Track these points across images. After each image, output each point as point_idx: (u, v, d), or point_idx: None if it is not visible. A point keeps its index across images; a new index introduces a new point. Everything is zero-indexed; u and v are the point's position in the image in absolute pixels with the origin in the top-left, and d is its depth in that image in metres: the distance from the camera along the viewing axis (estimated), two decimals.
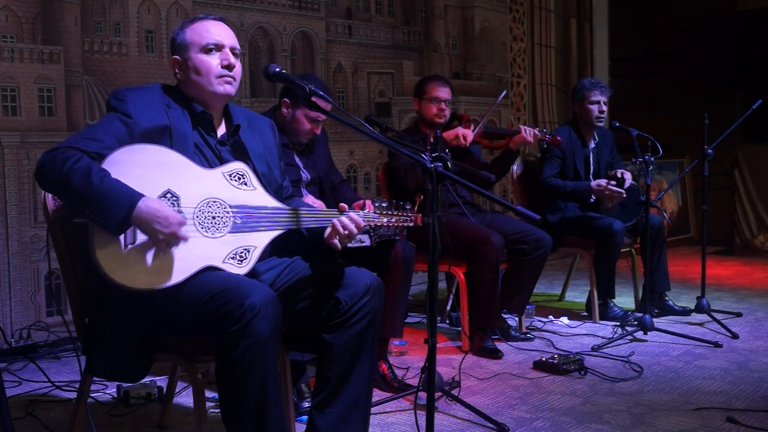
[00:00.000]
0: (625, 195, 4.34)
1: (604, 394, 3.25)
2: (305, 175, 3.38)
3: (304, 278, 2.38)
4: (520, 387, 3.37)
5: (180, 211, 2.17)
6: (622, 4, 7.76)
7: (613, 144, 4.76)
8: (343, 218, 2.31)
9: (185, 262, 2.14)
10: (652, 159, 3.98)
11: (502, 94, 4.30)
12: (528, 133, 4.05)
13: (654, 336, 4.09)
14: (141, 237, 2.11)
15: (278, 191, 2.49)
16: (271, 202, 2.34)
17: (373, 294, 2.32)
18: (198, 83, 2.36)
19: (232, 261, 2.22)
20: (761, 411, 3.02)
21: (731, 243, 7.72)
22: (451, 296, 4.51)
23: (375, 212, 2.40)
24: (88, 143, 2.16)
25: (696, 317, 4.52)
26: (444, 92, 4.02)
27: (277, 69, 2.31)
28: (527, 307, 4.31)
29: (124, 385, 3.17)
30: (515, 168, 4.73)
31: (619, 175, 4.43)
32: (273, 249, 2.40)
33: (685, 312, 4.61)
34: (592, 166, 4.59)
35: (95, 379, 2.59)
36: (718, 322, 4.27)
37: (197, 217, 2.20)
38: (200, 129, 2.38)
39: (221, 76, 2.35)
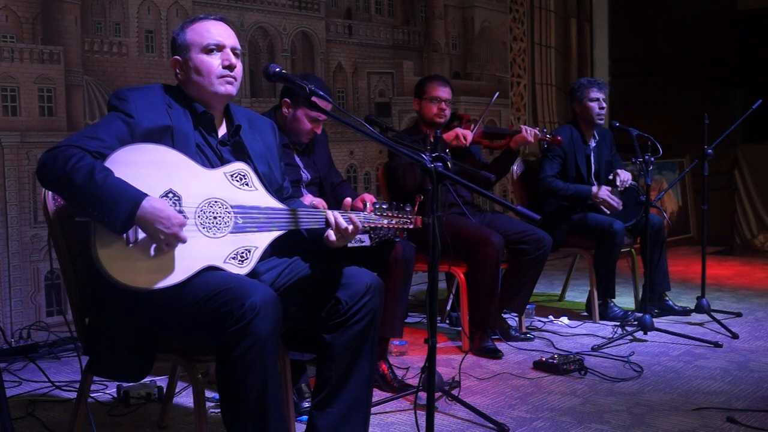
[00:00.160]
0: (620, 206, 4.37)
1: (604, 394, 3.26)
2: (305, 175, 3.38)
3: (304, 278, 2.39)
4: (520, 387, 3.37)
5: (181, 211, 2.17)
6: (622, 4, 7.76)
7: (613, 144, 4.76)
8: (338, 214, 2.31)
9: (186, 262, 2.15)
10: (652, 159, 3.98)
11: (495, 95, 4.30)
12: (529, 132, 4.05)
13: (654, 336, 4.09)
14: (142, 236, 2.11)
15: (279, 192, 2.49)
16: (273, 202, 2.34)
17: (373, 294, 2.32)
18: (199, 83, 2.36)
19: (233, 261, 2.22)
20: (761, 411, 3.02)
21: (731, 243, 7.72)
22: (451, 296, 4.51)
23: (375, 214, 2.40)
24: (90, 142, 2.16)
25: (696, 317, 4.52)
26: (444, 92, 4.02)
27: (277, 69, 2.31)
28: (527, 307, 4.31)
29: (124, 385, 3.17)
30: (515, 168, 4.73)
31: (610, 177, 4.44)
32: (273, 249, 2.40)
33: (685, 312, 4.61)
34: (593, 165, 4.59)
35: (95, 379, 2.59)
36: (718, 322, 4.27)
37: (198, 216, 2.20)
38: (201, 129, 2.38)
39: (222, 77, 2.36)
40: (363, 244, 2.54)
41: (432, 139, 2.99)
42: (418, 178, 3.77)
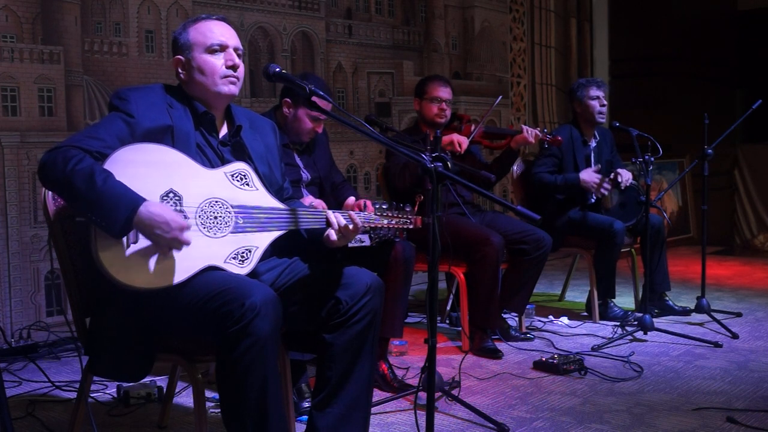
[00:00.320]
0: (609, 187, 4.34)
1: (604, 394, 3.26)
2: (305, 175, 3.38)
3: (304, 278, 2.39)
4: (520, 387, 3.37)
5: (182, 211, 2.17)
6: (622, 4, 7.76)
7: (613, 143, 4.76)
8: (338, 213, 2.32)
9: (187, 262, 2.15)
10: (652, 159, 3.98)
11: (498, 98, 4.30)
12: (529, 133, 4.05)
13: (654, 336, 4.09)
14: (142, 236, 2.11)
15: (279, 192, 2.49)
16: (273, 202, 2.34)
17: (373, 294, 2.32)
18: (202, 83, 2.36)
19: (233, 261, 2.22)
20: (761, 411, 3.02)
21: (731, 243, 7.72)
22: (451, 296, 4.51)
23: (375, 214, 2.40)
24: (91, 142, 2.16)
25: (696, 317, 4.52)
26: (445, 92, 4.03)
27: (277, 69, 2.31)
28: (527, 307, 4.31)
29: (124, 385, 3.17)
30: (515, 168, 4.73)
31: (611, 177, 4.44)
32: (274, 249, 2.40)
33: (685, 312, 4.61)
34: (593, 165, 4.59)
35: (95, 379, 2.59)
36: (718, 322, 4.27)
37: (199, 216, 2.20)
38: (202, 129, 2.38)
39: (226, 77, 2.36)
40: (363, 244, 2.54)
41: (432, 139, 2.99)
42: (410, 178, 3.77)
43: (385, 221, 2.41)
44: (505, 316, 4.19)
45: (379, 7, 5.63)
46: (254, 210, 2.29)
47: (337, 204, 3.08)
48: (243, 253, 2.24)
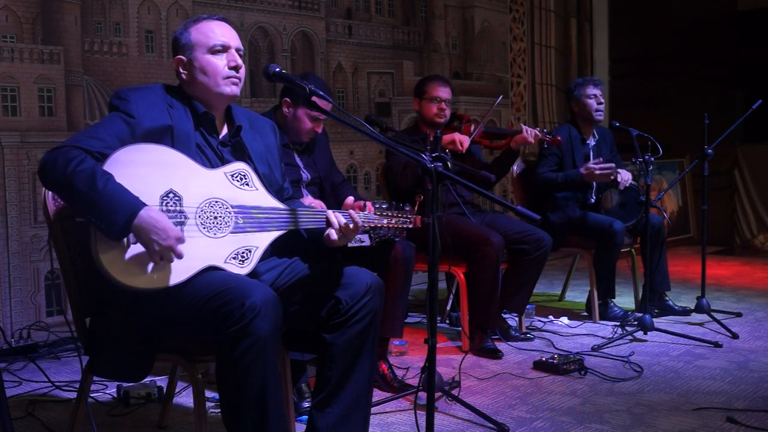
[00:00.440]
0: (614, 167, 4.34)
1: (604, 394, 3.26)
2: (305, 175, 3.38)
3: (304, 278, 2.39)
4: (520, 387, 3.37)
5: (182, 211, 2.17)
6: (622, 4, 7.76)
7: (613, 143, 4.76)
8: (338, 213, 2.32)
9: (187, 262, 2.14)
10: (652, 159, 3.98)
11: (499, 98, 4.30)
12: (529, 133, 4.05)
13: (654, 336, 4.09)
14: (139, 241, 2.11)
15: (279, 192, 2.49)
16: (273, 202, 2.34)
17: (373, 294, 2.32)
18: (204, 84, 2.36)
19: (233, 261, 2.22)
20: (761, 411, 3.02)
21: (731, 243, 7.72)
22: (451, 296, 4.51)
23: (375, 213, 2.40)
24: (92, 142, 2.16)
25: (696, 317, 4.52)
26: (444, 92, 4.03)
27: (277, 69, 2.31)
28: (527, 307, 4.31)
29: (124, 385, 3.17)
30: (515, 168, 4.73)
31: (612, 177, 4.44)
32: (274, 249, 2.40)
33: (685, 312, 4.61)
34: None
35: (95, 379, 2.59)
36: (718, 322, 4.27)
37: (199, 217, 2.20)
38: (202, 129, 2.38)
39: (228, 77, 2.36)
40: (363, 244, 2.54)
41: (432, 139, 2.99)
42: (412, 177, 3.77)
43: (385, 221, 2.41)
44: (505, 316, 4.19)
45: (379, 7, 5.63)
46: (254, 210, 2.29)
47: (337, 204, 3.08)
48: (243, 253, 2.24)
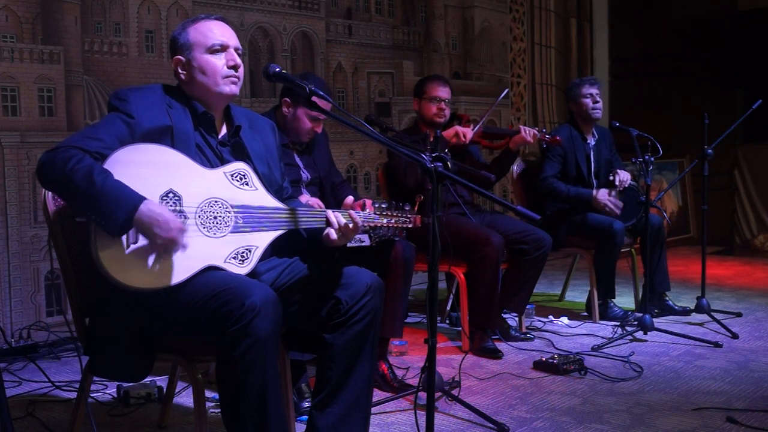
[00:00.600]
0: (620, 209, 4.37)
1: (604, 394, 3.25)
2: (305, 175, 3.38)
3: (304, 278, 2.39)
4: (520, 387, 3.37)
5: (182, 211, 2.17)
6: (622, 4, 7.76)
7: (612, 143, 4.76)
8: (338, 213, 2.32)
9: (187, 262, 2.15)
10: (652, 159, 3.99)
11: (505, 92, 4.30)
12: (528, 133, 4.05)
13: (654, 336, 4.09)
14: (143, 236, 2.11)
15: (278, 192, 2.49)
16: (273, 202, 2.34)
17: (373, 294, 2.32)
18: (203, 84, 2.36)
19: (233, 261, 2.22)
20: (761, 411, 3.02)
21: (731, 243, 7.72)
22: (451, 296, 4.51)
23: (374, 213, 2.40)
24: (90, 143, 2.16)
25: (696, 317, 4.52)
26: (444, 92, 4.03)
27: (277, 69, 2.31)
28: (527, 307, 4.31)
29: (124, 385, 3.17)
30: (515, 168, 4.73)
31: (611, 177, 4.45)
32: (273, 249, 2.40)
33: (685, 312, 4.61)
34: (593, 164, 4.59)
35: (95, 379, 2.59)
36: (718, 322, 4.27)
37: (199, 216, 2.20)
38: (201, 129, 2.38)
39: (227, 77, 2.36)
40: (363, 244, 2.54)
41: (432, 139, 2.99)
42: (420, 175, 3.77)
43: (385, 220, 2.41)
44: (505, 316, 4.19)
45: (379, 7, 5.63)
46: (254, 210, 2.29)
47: (336, 204, 3.08)
48: (243, 252, 2.24)
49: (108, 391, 3.29)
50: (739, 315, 4.63)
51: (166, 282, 2.12)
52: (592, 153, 4.61)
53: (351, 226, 2.32)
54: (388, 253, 3.28)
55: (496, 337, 4.03)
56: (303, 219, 2.34)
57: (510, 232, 3.99)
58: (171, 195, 2.17)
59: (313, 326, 2.36)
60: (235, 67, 2.37)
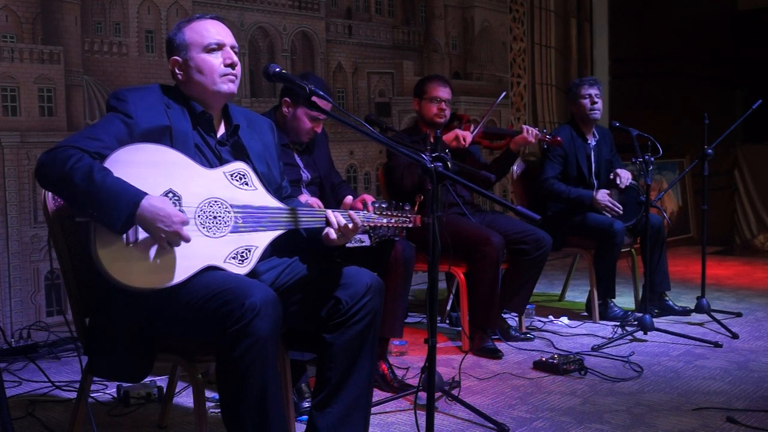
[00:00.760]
0: (621, 210, 4.37)
1: (604, 394, 3.25)
2: (305, 174, 3.38)
3: (304, 278, 2.39)
4: (520, 387, 3.37)
5: (181, 211, 2.17)
6: (622, 4, 7.76)
7: (613, 143, 4.76)
8: (337, 213, 2.32)
9: (186, 262, 2.14)
10: (652, 159, 3.99)
11: (502, 95, 4.30)
12: (530, 133, 4.05)
13: (654, 336, 4.09)
14: (142, 236, 2.11)
15: (278, 191, 2.49)
16: (272, 202, 2.34)
17: (373, 294, 2.32)
18: (201, 83, 2.36)
19: (233, 261, 2.22)
20: (761, 411, 3.02)
21: (731, 243, 7.72)
22: (451, 296, 4.51)
23: (374, 213, 2.40)
24: (89, 143, 2.16)
25: (696, 317, 4.52)
26: (444, 92, 4.03)
27: (277, 69, 2.31)
28: (527, 307, 4.30)
29: (124, 385, 3.17)
30: (515, 168, 4.73)
31: (611, 177, 4.45)
32: (273, 249, 2.40)
33: (685, 312, 4.61)
34: (593, 164, 4.60)
35: (95, 379, 2.59)
36: (718, 322, 4.27)
37: (198, 216, 2.20)
38: (200, 129, 2.38)
39: (225, 75, 2.36)
40: (363, 244, 2.54)
41: (432, 139, 2.99)
42: (417, 178, 3.77)
43: (385, 220, 2.41)
44: (505, 316, 4.19)
45: (379, 7, 5.63)
46: (253, 210, 2.29)
47: (336, 204, 3.08)
48: (242, 252, 2.24)
49: (108, 391, 3.30)
50: (739, 315, 4.63)
51: (166, 282, 2.12)
52: (592, 153, 4.61)
53: (351, 226, 2.32)
54: (388, 253, 3.28)
55: (496, 337, 4.03)
56: (302, 219, 2.33)
57: (510, 232, 3.99)
58: (171, 195, 2.17)
59: (313, 326, 2.36)
60: (232, 65, 2.37)
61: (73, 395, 3.13)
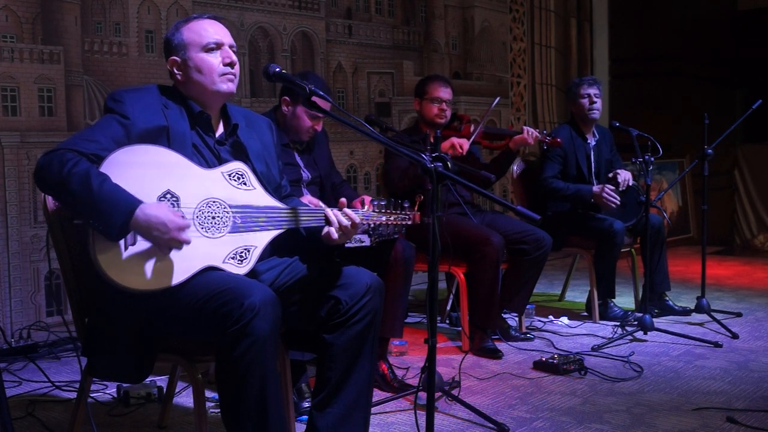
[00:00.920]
0: (618, 202, 4.36)
1: (604, 394, 3.25)
2: (306, 174, 3.38)
3: (304, 278, 2.38)
4: (520, 387, 3.37)
5: (180, 212, 2.16)
6: (622, 4, 7.76)
7: (613, 143, 4.76)
8: (337, 212, 2.32)
9: (185, 263, 2.14)
10: (652, 159, 3.99)
11: (496, 100, 4.29)
12: (530, 134, 4.05)
13: (654, 336, 4.09)
14: (141, 238, 2.11)
15: (277, 190, 2.48)
16: (271, 201, 2.34)
17: (373, 294, 2.32)
18: (200, 83, 2.35)
19: (232, 261, 2.22)
20: (761, 411, 3.02)
21: (731, 243, 7.72)
22: (451, 296, 4.51)
23: (373, 210, 2.40)
24: (87, 145, 2.16)
25: (696, 317, 4.52)
26: (445, 92, 4.03)
27: (277, 69, 2.31)
28: (527, 307, 4.30)
29: (124, 385, 3.17)
30: (515, 168, 4.73)
31: (610, 175, 4.45)
32: (273, 249, 2.40)
33: (685, 312, 4.61)
34: (593, 164, 4.59)
35: (95, 379, 2.59)
36: (718, 322, 4.26)
37: (197, 217, 2.20)
38: (198, 129, 2.38)
39: (224, 74, 2.35)
40: (363, 244, 2.54)
41: (432, 140, 2.99)
42: (410, 181, 3.77)
43: (384, 218, 2.40)
44: (505, 316, 4.19)
45: (379, 7, 5.63)
46: (252, 209, 2.28)
47: (336, 203, 3.08)
48: (241, 252, 2.24)
49: (108, 391, 3.29)
50: (739, 315, 4.63)
51: (165, 283, 2.12)
52: (592, 153, 4.61)
53: (350, 225, 2.31)
54: (388, 253, 3.28)
55: (496, 337, 4.03)
56: (302, 217, 2.33)
57: (510, 232, 3.99)
58: (169, 196, 2.17)
59: (312, 326, 2.36)
60: (231, 65, 2.37)
61: (73, 395, 3.13)
